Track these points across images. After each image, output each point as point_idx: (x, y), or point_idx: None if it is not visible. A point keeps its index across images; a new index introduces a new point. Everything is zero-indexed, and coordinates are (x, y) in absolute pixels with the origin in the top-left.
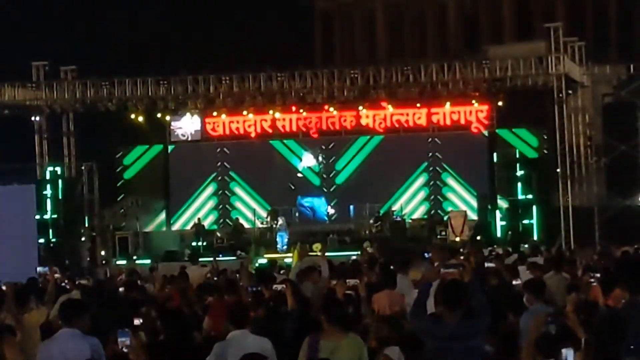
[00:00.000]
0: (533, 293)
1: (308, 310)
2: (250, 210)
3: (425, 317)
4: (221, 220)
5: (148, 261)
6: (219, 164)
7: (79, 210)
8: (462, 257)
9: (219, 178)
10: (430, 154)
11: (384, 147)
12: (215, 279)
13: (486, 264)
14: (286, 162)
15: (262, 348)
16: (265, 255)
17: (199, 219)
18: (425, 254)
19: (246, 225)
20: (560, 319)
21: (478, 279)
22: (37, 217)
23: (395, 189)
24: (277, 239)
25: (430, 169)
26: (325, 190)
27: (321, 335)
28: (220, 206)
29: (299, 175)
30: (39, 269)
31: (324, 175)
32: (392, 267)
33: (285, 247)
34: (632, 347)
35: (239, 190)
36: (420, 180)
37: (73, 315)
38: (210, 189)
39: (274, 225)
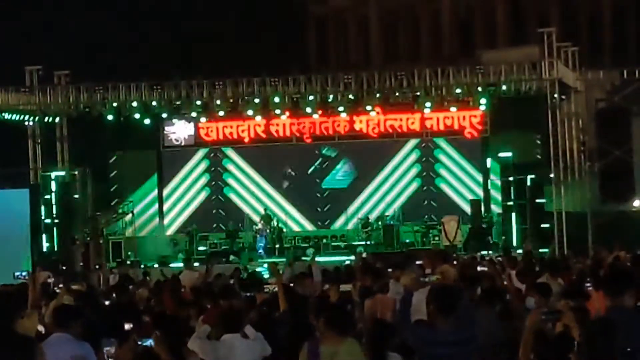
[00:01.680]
0: (542, 295)
1: (301, 313)
2: (243, 215)
3: (414, 324)
4: (214, 225)
5: None
6: (213, 168)
7: (72, 215)
8: (454, 262)
9: (213, 183)
10: (424, 158)
11: (376, 151)
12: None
13: (479, 268)
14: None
15: (253, 353)
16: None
17: (192, 223)
18: (417, 261)
19: (240, 230)
20: (554, 316)
21: (461, 286)
22: (30, 222)
23: (388, 193)
24: (256, 245)
25: (424, 174)
26: (318, 195)
27: (320, 341)
28: (214, 211)
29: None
30: (16, 273)
31: (317, 180)
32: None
33: (262, 252)
34: (628, 349)
35: (232, 195)
36: (414, 185)
37: (68, 320)
38: (204, 194)
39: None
